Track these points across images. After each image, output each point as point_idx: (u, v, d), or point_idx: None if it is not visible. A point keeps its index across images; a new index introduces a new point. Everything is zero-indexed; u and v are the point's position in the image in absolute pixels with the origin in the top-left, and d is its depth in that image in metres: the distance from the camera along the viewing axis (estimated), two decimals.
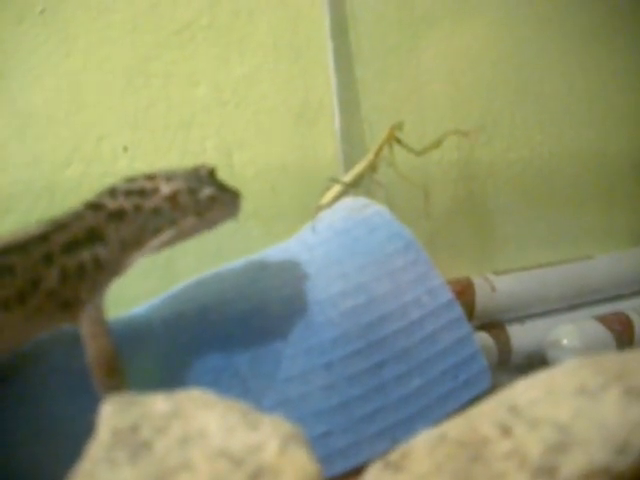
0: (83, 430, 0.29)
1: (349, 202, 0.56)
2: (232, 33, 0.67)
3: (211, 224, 0.43)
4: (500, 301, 0.69)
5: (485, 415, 0.29)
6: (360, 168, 0.60)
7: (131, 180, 0.42)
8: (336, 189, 0.59)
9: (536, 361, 0.67)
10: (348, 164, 0.69)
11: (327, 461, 0.41)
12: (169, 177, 0.42)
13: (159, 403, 0.29)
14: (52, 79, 0.61)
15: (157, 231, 0.41)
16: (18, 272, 0.37)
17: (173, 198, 0.41)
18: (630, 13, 0.92)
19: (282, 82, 0.70)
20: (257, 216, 0.67)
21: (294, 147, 0.70)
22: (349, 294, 0.47)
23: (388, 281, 0.48)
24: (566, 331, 0.65)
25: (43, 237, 0.38)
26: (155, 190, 0.41)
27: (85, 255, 0.39)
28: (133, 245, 0.41)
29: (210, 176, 0.43)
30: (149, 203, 0.41)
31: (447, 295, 0.49)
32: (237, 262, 0.52)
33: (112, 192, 0.41)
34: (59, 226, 0.39)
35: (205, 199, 0.42)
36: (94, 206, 0.41)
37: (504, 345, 0.67)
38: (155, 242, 0.41)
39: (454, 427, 0.29)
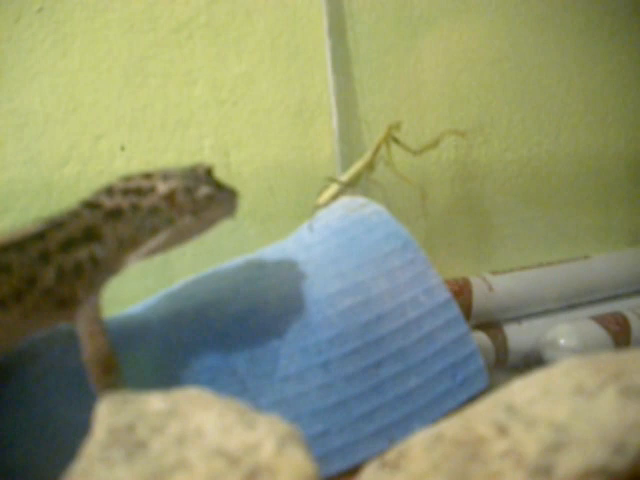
0: (79, 429, 0.29)
1: (346, 201, 0.56)
2: (230, 32, 0.67)
3: (208, 223, 0.43)
4: (497, 301, 0.69)
5: (482, 415, 0.29)
6: (358, 167, 0.60)
7: (128, 179, 0.42)
8: (333, 188, 0.59)
9: (533, 361, 0.67)
10: (345, 163, 0.69)
11: (324, 460, 0.41)
12: (166, 176, 0.42)
13: (155, 402, 0.29)
14: (49, 78, 0.61)
15: (154, 230, 0.41)
16: (15, 270, 0.37)
17: (170, 197, 0.41)
18: (628, 14, 0.92)
19: (280, 81, 0.70)
20: (254, 215, 0.67)
21: (291, 146, 0.70)
22: (346, 293, 0.47)
23: (385, 280, 0.48)
24: (563, 331, 0.65)
25: (40, 235, 0.38)
26: (152, 189, 0.41)
27: (82, 254, 0.39)
28: (130, 244, 0.41)
29: (207, 175, 0.43)
30: (146, 202, 0.41)
31: (445, 294, 0.49)
32: (234, 261, 0.52)
33: (109, 191, 0.41)
34: (56, 225, 0.39)
35: (202, 198, 0.42)
36: (91, 205, 0.41)
37: (501, 345, 0.67)
38: (152, 242, 0.41)
39: (451, 427, 0.29)
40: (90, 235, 0.40)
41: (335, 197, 0.58)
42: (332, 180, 0.60)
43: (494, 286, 0.69)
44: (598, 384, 0.27)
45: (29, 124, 0.60)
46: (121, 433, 0.27)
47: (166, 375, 0.43)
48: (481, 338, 0.66)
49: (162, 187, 0.41)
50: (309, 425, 0.42)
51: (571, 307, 0.74)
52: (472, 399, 0.43)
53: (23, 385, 0.41)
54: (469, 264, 0.79)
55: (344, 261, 0.49)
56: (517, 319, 0.71)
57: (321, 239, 0.52)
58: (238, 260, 0.52)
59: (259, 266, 0.50)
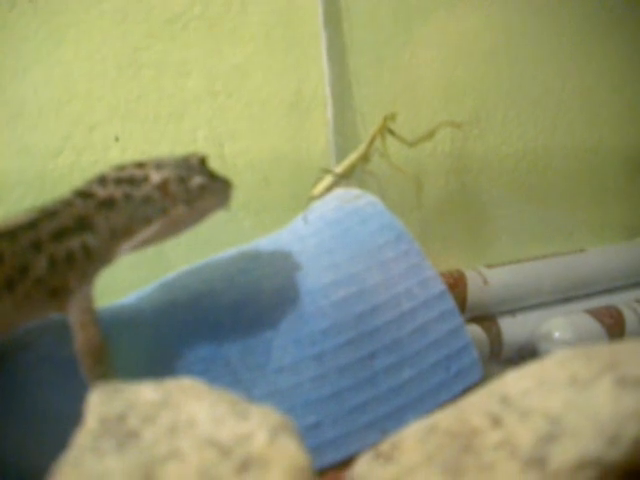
0: (70, 418, 0.29)
1: (341, 193, 0.56)
2: (224, 23, 0.67)
3: (202, 213, 0.43)
4: (492, 294, 0.69)
5: (476, 406, 0.29)
6: (352, 159, 0.60)
7: (121, 168, 0.41)
8: (328, 180, 0.59)
9: (527, 354, 0.67)
10: (340, 155, 0.69)
11: (317, 452, 0.41)
12: (159, 165, 0.41)
13: (147, 392, 0.29)
14: (43, 68, 0.60)
15: (147, 220, 0.41)
16: (6, 259, 0.37)
17: (163, 186, 0.41)
18: (625, 8, 0.92)
19: (275, 73, 0.69)
20: (249, 207, 0.67)
21: (286, 138, 0.70)
22: (340, 284, 0.47)
23: (380, 272, 0.48)
24: (558, 324, 0.65)
25: (32, 224, 0.38)
26: (145, 178, 0.41)
27: (74, 243, 0.39)
28: (123, 234, 0.41)
29: (201, 165, 0.43)
30: (139, 191, 0.40)
31: (439, 286, 0.49)
32: (228, 252, 0.52)
33: (102, 180, 0.41)
34: (48, 214, 0.39)
35: (196, 188, 0.41)
36: (84, 194, 0.40)
37: (496, 338, 0.68)
38: (145, 232, 0.41)
39: (444, 418, 0.29)
40: (82, 224, 0.40)
41: (330, 188, 0.58)
42: (327, 171, 0.60)
43: (489, 279, 0.69)
44: (592, 375, 0.27)
45: (23, 114, 0.60)
46: (112, 423, 0.27)
47: (159, 365, 0.43)
48: (475, 331, 0.66)
49: (155, 176, 0.41)
50: (302, 416, 0.42)
51: (566, 300, 0.75)
52: (466, 391, 0.43)
53: (14, 375, 0.41)
54: (464, 257, 0.79)
55: (338, 252, 0.49)
56: (512, 312, 0.71)
57: (315, 230, 0.51)
58: (232, 251, 0.52)
59: (253, 257, 0.50)
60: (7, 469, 0.37)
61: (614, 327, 0.67)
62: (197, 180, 0.42)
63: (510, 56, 0.84)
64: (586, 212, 0.91)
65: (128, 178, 0.41)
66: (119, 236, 0.41)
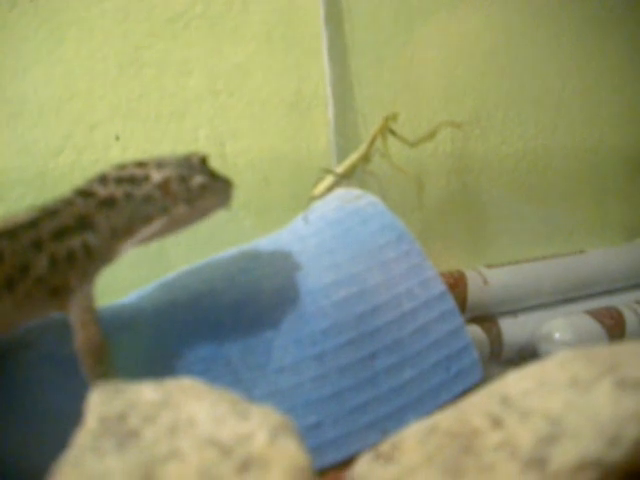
0: (71, 418, 0.29)
1: (342, 193, 0.56)
2: (226, 22, 0.67)
3: (202, 213, 0.43)
4: (492, 294, 0.69)
5: (476, 406, 0.29)
6: (353, 159, 0.60)
7: (122, 167, 0.41)
8: (329, 180, 0.59)
9: (528, 354, 0.67)
10: (341, 155, 0.69)
11: (318, 452, 0.41)
12: (160, 164, 0.41)
13: (147, 392, 0.29)
14: (44, 67, 0.60)
15: (148, 219, 0.41)
16: (6, 258, 0.37)
17: (164, 185, 0.41)
18: (625, 8, 0.92)
19: (276, 72, 0.69)
20: (249, 206, 0.67)
21: (287, 137, 0.70)
22: (341, 285, 0.47)
23: (380, 272, 0.48)
24: (558, 325, 0.65)
25: (32, 223, 0.38)
26: (146, 177, 0.41)
27: (75, 242, 0.39)
28: (123, 233, 0.41)
29: (202, 164, 0.43)
30: (140, 190, 0.40)
31: (440, 287, 0.49)
32: (229, 252, 0.52)
33: (103, 179, 0.41)
34: (49, 213, 0.39)
35: (196, 187, 0.41)
36: (84, 193, 0.40)
37: (496, 338, 0.67)
38: (146, 230, 0.41)
39: (445, 418, 0.29)
40: (83, 223, 0.40)
41: (330, 188, 0.58)
42: (328, 171, 0.60)
43: (489, 279, 0.69)
44: (593, 376, 0.27)
45: (23, 113, 0.60)
46: (113, 422, 0.27)
47: (159, 365, 0.43)
48: (476, 331, 0.66)
49: (156, 176, 0.41)
50: (303, 416, 0.42)
51: (566, 301, 0.74)
52: (466, 392, 0.43)
53: (15, 374, 0.41)
54: (464, 257, 0.79)
55: (339, 252, 0.49)
56: (512, 312, 0.71)
57: (316, 230, 0.51)
58: (232, 251, 0.52)
59: (254, 257, 0.50)
60: (7, 469, 0.37)
61: (614, 328, 0.67)
62: (198, 179, 0.42)
63: (510, 56, 0.84)
64: (586, 212, 0.91)
65: (129, 177, 0.41)
66: (120, 235, 0.41)
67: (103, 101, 0.63)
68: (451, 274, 0.67)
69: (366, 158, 0.60)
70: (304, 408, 0.43)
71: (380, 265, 0.49)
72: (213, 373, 0.43)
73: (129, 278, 0.51)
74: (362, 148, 0.60)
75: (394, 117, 0.60)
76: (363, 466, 0.29)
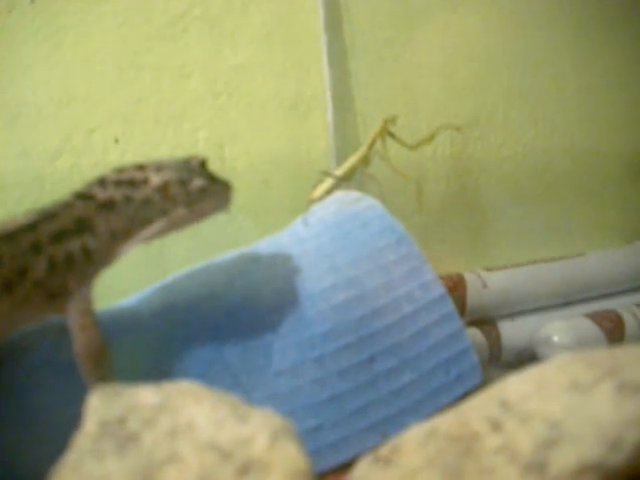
0: (70, 421, 0.29)
1: (341, 195, 0.56)
2: (225, 25, 0.67)
3: (201, 216, 0.43)
4: (491, 297, 0.69)
5: (476, 410, 0.29)
6: (353, 161, 0.60)
7: (121, 170, 0.41)
8: (328, 182, 0.59)
9: (527, 358, 0.67)
10: (340, 157, 0.69)
11: (317, 455, 0.41)
12: (159, 168, 0.41)
13: (147, 395, 0.29)
14: (42, 70, 0.60)
15: (147, 222, 0.41)
16: (5, 261, 0.37)
17: (163, 189, 0.41)
18: (623, 10, 0.92)
19: (275, 74, 0.69)
20: (248, 209, 0.67)
21: (286, 140, 0.70)
22: (340, 288, 0.47)
23: (380, 275, 0.48)
24: (557, 328, 0.65)
25: (31, 227, 0.38)
26: (145, 180, 0.41)
27: (74, 245, 0.39)
28: (123, 236, 0.41)
29: (201, 167, 0.43)
30: (139, 193, 0.40)
31: (439, 290, 0.49)
32: (228, 254, 0.52)
33: (102, 182, 0.41)
34: (48, 216, 0.39)
35: (196, 190, 0.41)
36: (84, 196, 0.40)
37: (495, 341, 0.67)
38: (145, 233, 0.41)
39: (444, 422, 0.29)
40: (82, 226, 0.40)
41: (330, 191, 0.58)
42: (327, 174, 0.60)
43: (488, 283, 0.69)
44: (593, 380, 0.27)
45: (22, 116, 0.60)
46: (112, 426, 0.27)
47: (158, 368, 0.43)
48: (475, 334, 0.66)
49: (155, 179, 0.41)
50: (303, 419, 0.42)
51: (565, 304, 0.74)
52: (466, 395, 0.43)
53: (14, 377, 0.41)
54: (464, 260, 0.79)
55: (338, 255, 0.49)
56: (511, 316, 0.71)
57: (315, 233, 0.51)
58: (232, 253, 0.52)
59: (253, 259, 0.50)
60: (7, 472, 0.37)
61: (613, 331, 0.67)
62: (197, 182, 0.42)
63: (509, 58, 0.84)
64: (585, 215, 0.91)
65: (128, 180, 0.41)
66: (119, 238, 0.41)
67: (102, 104, 0.63)
68: (450, 277, 0.67)
69: (365, 161, 0.60)
70: (304, 411, 0.43)
71: (380, 268, 0.49)
72: (212, 376, 0.43)
73: (128, 281, 0.51)
74: (361, 151, 0.60)
75: (393, 120, 0.61)
76: (363, 469, 0.29)
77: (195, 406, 0.28)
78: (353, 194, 0.55)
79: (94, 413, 0.28)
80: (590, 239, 0.89)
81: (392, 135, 0.61)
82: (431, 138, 0.62)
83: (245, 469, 0.25)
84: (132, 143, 0.63)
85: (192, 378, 0.33)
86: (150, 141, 0.64)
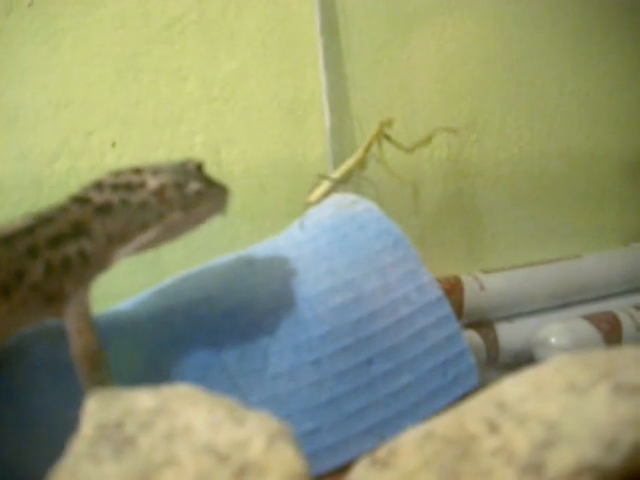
0: (67, 425, 0.29)
1: (338, 198, 0.56)
2: (221, 28, 0.67)
3: (198, 219, 0.43)
4: (489, 300, 0.69)
5: (473, 411, 0.29)
6: (349, 165, 0.60)
7: (118, 174, 0.41)
8: (325, 185, 0.59)
9: (524, 360, 0.67)
10: (337, 161, 0.69)
11: (315, 458, 0.41)
12: (156, 171, 0.41)
13: (144, 398, 0.29)
14: (40, 73, 0.60)
15: (144, 226, 0.41)
16: (3, 265, 0.37)
17: (160, 192, 0.41)
18: (622, 13, 0.92)
19: (271, 78, 0.69)
20: (245, 213, 0.67)
21: (283, 144, 0.70)
22: (338, 290, 0.47)
23: (377, 278, 0.48)
24: (554, 330, 0.65)
25: (28, 230, 0.38)
26: (142, 184, 0.41)
27: (70, 249, 0.39)
28: (119, 239, 0.41)
29: (198, 171, 0.43)
30: (136, 197, 0.40)
31: (436, 292, 0.49)
32: (225, 258, 0.52)
33: (98, 186, 0.41)
34: (45, 220, 0.39)
35: (192, 194, 0.41)
36: (80, 200, 0.40)
37: (492, 344, 0.67)
38: (142, 237, 0.41)
39: (442, 424, 0.29)
40: (79, 230, 0.39)
41: (327, 194, 0.58)
42: (324, 177, 0.60)
43: (485, 285, 0.69)
44: (589, 381, 0.27)
45: (19, 119, 0.60)
46: (109, 429, 0.27)
47: (156, 372, 0.43)
48: (472, 336, 0.66)
49: (152, 182, 0.41)
50: (300, 422, 0.42)
51: (563, 306, 0.75)
52: (463, 397, 0.43)
53: (11, 381, 0.41)
54: (461, 262, 0.79)
55: (335, 258, 0.49)
56: (508, 318, 0.71)
57: (312, 236, 0.51)
58: (229, 257, 0.52)
59: (250, 263, 0.50)
60: (4, 476, 0.37)
61: (611, 333, 0.67)
62: (194, 186, 0.42)
63: (506, 61, 0.85)
64: (583, 217, 0.91)
65: (125, 184, 0.41)
66: (115, 242, 0.40)
67: (99, 107, 0.63)
68: (447, 279, 0.67)
69: (362, 164, 0.60)
70: (301, 414, 0.43)
71: (376, 271, 0.49)
72: (209, 379, 0.43)
73: (125, 285, 0.51)
74: (358, 154, 0.60)
75: (389, 123, 0.61)
76: (360, 472, 0.29)
77: (192, 409, 0.28)
78: (350, 197, 0.55)
79: (91, 417, 0.28)
80: (587, 241, 0.89)
81: (388, 138, 0.61)
82: (428, 141, 0.62)
83: (242, 472, 0.25)
84: (129, 146, 0.64)
85: (190, 381, 0.33)
86: (147, 144, 0.64)
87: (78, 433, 0.27)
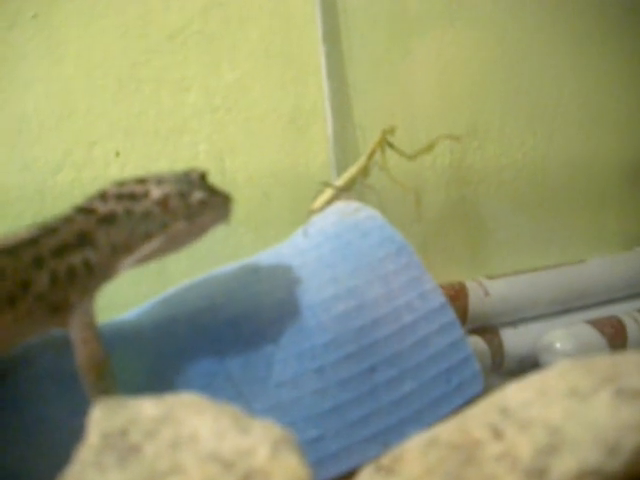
0: (73, 434, 0.29)
1: (341, 206, 0.56)
2: (223, 39, 0.67)
3: (202, 228, 0.43)
4: (493, 305, 0.69)
5: (477, 417, 0.29)
6: (352, 172, 0.60)
7: (122, 184, 0.42)
8: (328, 193, 0.59)
9: (529, 365, 0.67)
10: (340, 169, 0.69)
11: (319, 465, 0.41)
12: (160, 181, 0.41)
13: (149, 407, 0.29)
14: (43, 84, 0.61)
15: (148, 235, 0.41)
16: (8, 275, 0.37)
17: (164, 202, 0.41)
18: (621, 18, 0.92)
19: (274, 88, 0.70)
20: (249, 221, 0.67)
21: (286, 152, 0.70)
22: (341, 298, 0.47)
23: (380, 285, 0.48)
24: (559, 335, 0.65)
25: (33, 241, 0.38)
26: (146, 194, 0.41)
27: (75, 259, 0.39)
28: (123, 249, 0.41)
29: (201, 180, 0.43)
30: (140, 207, 0.41)
31: (440, 299, 0.49)
32: (228, 267, 0.52)
33: (103, 196, 0.41)
34: (49, 230, 0.39)
35: (196, 203, 0.42)
36: (84, 210, 0.41)
37: (497, 349, 0.67)
38: (146, 247, 0.41)
39: (446, 430, 0.29)
40: (83, 240, 0.40)
41: (330, 202, 0.58)
42: (327, 185, 0.60)
43: (490, 290, 0.69)
44: (592, 386, 0.27)
45: (23, 130, 0.60)
46: (115, 438, 0.27)
47: (160, 380, 0.43)
48: (477, 342, 0.66)
49: (156, 192, 0.41)
50: (304, 430, 0.42)
51: (567, 311, 0.74)
52: (467, 403, 0.43)
53: (17, 390, 0.41)
54: (464, 268, 0.79)
55: (338, 266, 0.49)
56: (513, 323, 0.71)
57: (315, 244, 0.52)
58: (232, 265, 0.52)
59: (253, 271, 0.50)
60: None
61: (615, 337, 0.67)
62: (197, 195, 0.42)
63: (506, 68, 0.85)
64: (585, 222, 0.91)
65: (129, 194, 0.41)
66: (120, 252, 0.41)
67: (102, 118, 0.63)
68: (452, 286, 0.67)
69: (365, 171, 0.60)
70: (305, 422, 0.43)
71: (380, 278, 0.49)
72: (214, 388, 0.43)
73: (130, 294, 0.51)
74: (361, 161, 0.60)
75: (392, 130, 0.61)
76: (365, 479, 0.29)
77: (197, 418, 0.28)
78: (353, 204, 0.55)
79: (96, 425, 0.28)
80: (590, 246, 0.89)
81: (391, 145, 0.61)
82: (430, 148, 0.62)
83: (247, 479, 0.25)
84: (133, 156, 0.64)
85: (194, 390, 0.33)
86: (150, 154, 0.65)
87: (84, 442, 0.27)
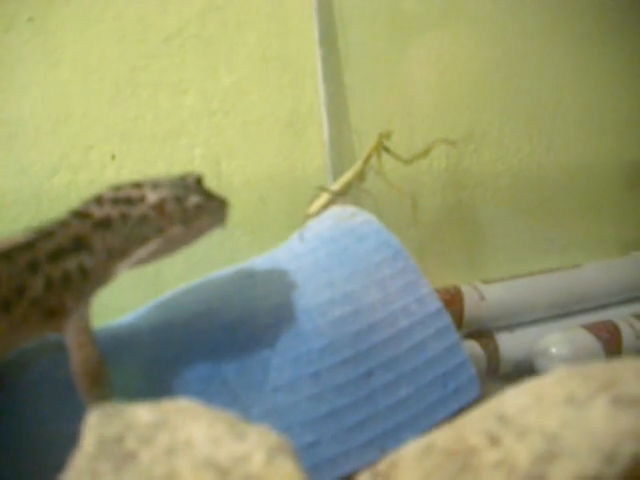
0: (68, 440, 0.29)
1: (337, 211, 0.56)
2: (221, 42, 0.67)
3: (198, 233, 0.43)
4: (489, 310, 0.69)
5: (473, 424, 0.29)
6: (348, 177, 0.60)
7: (118, 188, 0.41)
8: (324, 198, 0.59)
9: (525, 370, 0.67)
10: (336, 173, 0.69)
11: (315, 470, 0.41)
12: (156, 185, 0.41)
13: (144, 413, 0.29)
14: (40, 88, 0.61)
15: (144, 240, 0.41)
16: (3, 280, 0.37)
17: (160, 206, 0.41)
18: (621, 19, 0.92)
19: (271, 91, 0.70)
20: (245, 225, 0.67)
21: (282, 156, 0.70)
22: (337, 303, 0.47)
23: (376, 290, 0.48)
24: (554, 340, 0.65)
25: (28, 245, 0.38)
26: (142, 198, 0.41)
27: (71, 263, 0.39)
28: (119, 254, 0.41)
29: (197, 184, 0.43)
30: (135, 211, 0.40)
31: (436, 303, 0.49)
32: (224, 271, 0.52)
33: (98, 200, 0.41)
34: (45, 234, 0.39)
35: (192, 207, 0.42)
36: (80, 214, 0.40)
37: (493, 354, 0.67)
38: (142, 251, 0.41)
39: (442, 436, 0.29)
40: (79, 245, 0.40)
41: (326, 206, 0.58)
42: (323, 189, 0.60)
43: (486, 295, 0.69)
44: (589, 394, 0.27)
45: (19, 134, 0.60)
46: (110, 444, 0.27)
47: (156, 386, 0.43)
48: (473, 347, 0.66)
49: (152, 196, 0.41)
50: (300, 435, 0.42)
51: (563, 315, 0.74)
52: (464, 408, 0.43)
53: (11, 395, 0.41)
54: (460, 273, 0.79)
55: (334, 270, 0.49)
56: (509, 328, 0.71)
57: (311, 248, 0.51)
58: (228, 270, 0.52)
59: (249, 275, 0.50)
60: None
61: (611, 342, 0.67)
62: (193, 199, 0.42)
63: (504, 73, 0.85)
64: (582, 227, 0.91)
65: (125, 198, 0.41)
66: (116, 256, 0.41)
67: (99, 122, 0.63)
68: (447, 290, 0.67)
69: (361, 176, 0.60)
70: (301, 427, 0.43)
71: (376, 283, 0.49)
72: (210, 393, 0.43)
73: (125, 298, 0.51)
74: (357, 166, 0.60)
75: (388, 135, 0.61)
76: None
77: (192, 424, 0.28)
78: (349, 209, 0.55)
79: (92, 431, 0.28)
80: (586, 250, 0.89)
81: (387, 150, 0.61)
82: (426, 152, 0.62)
83: None
84: (129, 160, 0.64)
85: (191, 395, 0.33)
86: (147, 158, 0.65)
87: (79, 448, 0.27)
